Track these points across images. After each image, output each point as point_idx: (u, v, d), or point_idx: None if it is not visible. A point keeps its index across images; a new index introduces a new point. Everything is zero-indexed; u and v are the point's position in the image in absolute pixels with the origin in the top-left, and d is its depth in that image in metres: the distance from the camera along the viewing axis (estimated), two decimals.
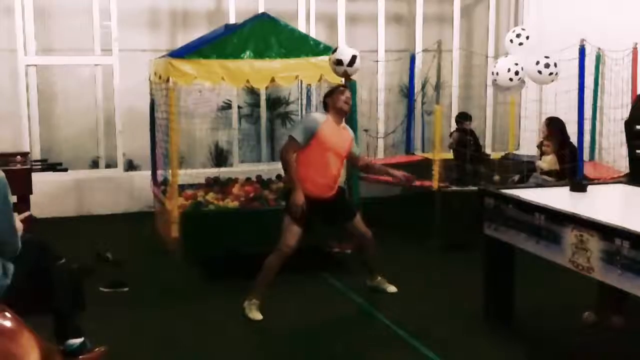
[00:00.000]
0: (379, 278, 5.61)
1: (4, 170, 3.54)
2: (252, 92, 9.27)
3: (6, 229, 3.52)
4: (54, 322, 3.83)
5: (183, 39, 8.52)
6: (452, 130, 8.42)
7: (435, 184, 7.01)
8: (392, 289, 5.57)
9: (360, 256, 5.66)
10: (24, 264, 3.67)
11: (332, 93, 5.17)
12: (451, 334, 4.73)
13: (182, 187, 6.66)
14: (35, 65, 8.48)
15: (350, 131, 5.38)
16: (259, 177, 7.52)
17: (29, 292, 3.71)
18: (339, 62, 5.36)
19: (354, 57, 5.33)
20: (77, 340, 3.86)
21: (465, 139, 7.74)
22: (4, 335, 2.86)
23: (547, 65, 6.48)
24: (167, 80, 6.05)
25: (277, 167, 8.74)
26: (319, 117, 5.16)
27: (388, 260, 6.54)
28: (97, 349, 3.95)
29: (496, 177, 7.63)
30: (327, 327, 4.97)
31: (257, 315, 4.99)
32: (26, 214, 4.08)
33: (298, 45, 6.27)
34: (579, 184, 5.08)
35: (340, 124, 5.18)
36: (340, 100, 5.08)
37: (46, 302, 3.78)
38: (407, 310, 5.19)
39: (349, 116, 5.54)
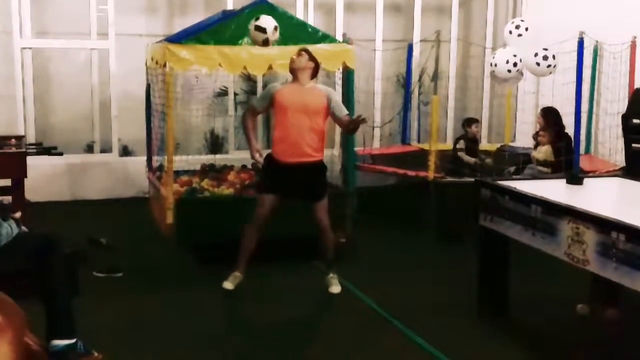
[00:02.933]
0: (330, 275, 5.37)
1: None
2: (249, 79, 9.23)
3: None
4: (46, 319, 3.64)
5: (180, 25, 8.45)
6: (458, 136, 8.27)
7: (430, 174, 7.01)
8: (335, 289, 5.31)
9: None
10: (20, 255, 3.63)
11: None
12: (445, 324, 4.73)
13: (177, 174, 6.63)
14: (31, 48, 8.42)
15: (325, 90, 5.29)
16: (254, 164, 7.50)
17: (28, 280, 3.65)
18: (262, 29, 5.27)
19: (276, 27, 5.27)
20: (63, 342, 3.59)
21: (461, 162, 7.60)
22: None
23: (545, 57, 6.49)
24: (164, 65, 6.00)
25: None
26: (278, 84, 5.46)
27: (383, 249, 6.57)
28: (92, 357, 3.72)
29: (488, 160, 7.65)
30: (320, 315, 4.98)
31: (228, 285, 5.13)
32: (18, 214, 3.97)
33: (296, 32, 6.22)
34: (575, 177, 5.09)
35: (306, 85, 5.18)
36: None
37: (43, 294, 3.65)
38: (402, 300, 5.18)
39: (347, 104, 5.52)
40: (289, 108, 5.09)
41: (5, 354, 2.68)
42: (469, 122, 7.97)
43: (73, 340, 3.65)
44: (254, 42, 5.44)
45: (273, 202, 5.16)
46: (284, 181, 5.12)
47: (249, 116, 5.35)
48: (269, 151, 5.33)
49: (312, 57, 5.22)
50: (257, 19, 5.36)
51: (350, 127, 5.13)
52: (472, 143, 7.77)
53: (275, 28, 5.28)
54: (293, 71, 5.22)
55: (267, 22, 5.29)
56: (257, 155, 5.26)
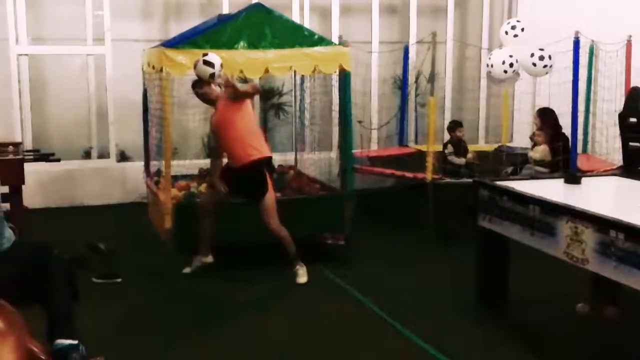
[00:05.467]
0: (296, 267, 5.65)
1: None
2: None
3: None
4: (47, 323, 3.63)
5: (176, 29, 8.46)
6: (445, 142, 8.31)
7: (428, 175, 7.01)
8: (301, 279, 5.62)
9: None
10: (18, 262, 3.62)
11: None
12: (445, 324, 4.74)
13: (175, 178, 6.63)
14: (27, 55, 8.42)
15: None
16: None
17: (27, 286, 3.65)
18: (210, 64, 5.43)
19: (221, 64, 5.51)
20: (66, 341, 3.57)
21: (454, 167, 7.69)
22: None
23: (541, 58, 6.50)
24: (161, 70, 6.01)
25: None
26: None
27: (382, 251, 6.57)
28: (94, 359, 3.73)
29: (469, 155, 7.69)
30: (321, 316, 4.97)
31: (187, 270, 5.81)
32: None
33: (292, 35, 6.23)
34: (573, 176, 5.09)
35: (217, 103, 5.64)
36: None
37: (43, 300, 3.65)
38: (400, 300, 5.19)
39: (344, 109, 5.53)
40: (215, 130, 5.65)
41: None
42: (452, 127, 8.05)
43: (76, 342, 3.64)
44: (200, 77, 5.54)
45: (218, 195, 5.66)
46: (233, 181, 5.61)
47: (214, 160, 5.88)
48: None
49: (207, 84, 5.58)
50: (205, 54, 5.52)
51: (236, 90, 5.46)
52: (458, 146, 7.86)
53: (221, 65, 5.51)
54: (209, 102, 5.78)
55: (215, 58, 5.50)
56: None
